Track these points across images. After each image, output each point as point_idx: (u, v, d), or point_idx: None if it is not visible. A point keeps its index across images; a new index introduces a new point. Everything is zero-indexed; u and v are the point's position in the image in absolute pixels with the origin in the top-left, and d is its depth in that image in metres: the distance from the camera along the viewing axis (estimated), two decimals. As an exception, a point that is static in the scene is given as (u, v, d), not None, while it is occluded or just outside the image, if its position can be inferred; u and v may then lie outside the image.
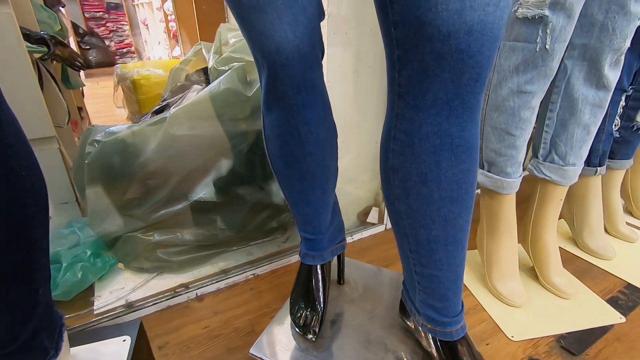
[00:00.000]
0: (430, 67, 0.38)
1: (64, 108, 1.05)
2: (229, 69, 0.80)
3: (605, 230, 1.08)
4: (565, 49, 0.66)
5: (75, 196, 1.06)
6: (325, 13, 0.50)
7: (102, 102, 2.71)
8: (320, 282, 0.66)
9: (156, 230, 0.83)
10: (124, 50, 4.48)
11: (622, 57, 0.70)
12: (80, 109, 1.94)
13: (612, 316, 0.80)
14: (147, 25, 3.53)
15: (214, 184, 0.85)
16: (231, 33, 0.94)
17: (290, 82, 0.46)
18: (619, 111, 0.91)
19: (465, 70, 0.37)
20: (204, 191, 0.86)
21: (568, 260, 0.99)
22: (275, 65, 0.44)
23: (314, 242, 0.65)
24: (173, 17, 2.01)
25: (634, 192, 1.16)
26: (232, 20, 1.33)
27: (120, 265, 0.89)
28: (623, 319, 0.79)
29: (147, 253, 0.84)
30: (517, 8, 0.64)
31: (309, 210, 0.61)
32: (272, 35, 0.42)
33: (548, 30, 0.62)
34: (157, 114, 0.93)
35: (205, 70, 1.03)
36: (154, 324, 0.76)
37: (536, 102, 0.71)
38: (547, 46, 0.64)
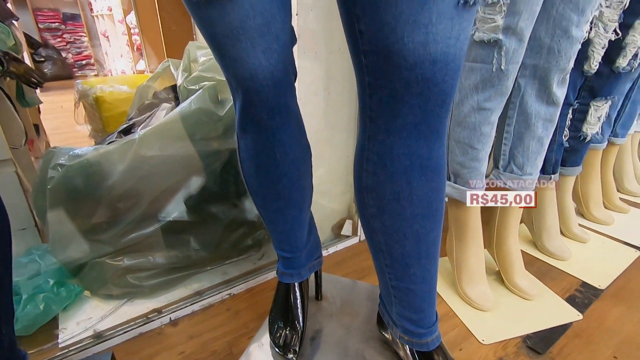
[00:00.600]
0: (399, 94, 0.40)
1: (21, 128, 0.99)
2: (199, 88, 0.79)
3: (561, 232, 1.16)
4: (518, 69, 0.72)
5: (35, 221, 1.00)
6: (296, 34, 0.51)
7: (60, 118, 2.58)
8: (299, 300, 0.67)
9: (126, 254, 0.80)
10: (83, 62, 4.30)
11: (567, 76, 0.77)
12: (37, 126, 1.83)
13: (571, 314, 0.85)
14: (107, 37, 3.41)
15: (186, 204, 0.83)
16: (200, 51, 0.93)
17: (265, 107, 0.47)
18: (567, 123, 1.00)
19: (431, 97, 0.39)
20: (176, 211, 0.84)
21: (530, 262, 1.05)
22: (250, 91, 0.45)
23: (292, 260, 0.65)
24: (137, 30, 1.97)
25: (584, 196, 1.26)
26: (201, 38, 1.32)
27: (87, 293, 0.85)
28: (580, 316, 0.85)
29: (117, 279, 0.81)
30: (475, 32, 0.69)
31: (285, 229, 0.62)
32: (247, 63, 0.42)
33: (502, 53, 0.68)
34: (123, 134, 0.91)
35: (173, 88, 1.01)
36: (125, 353, 0.73)
37: (495, 118, 0.76)
38: (502, 67, 0.69)
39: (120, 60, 3.15)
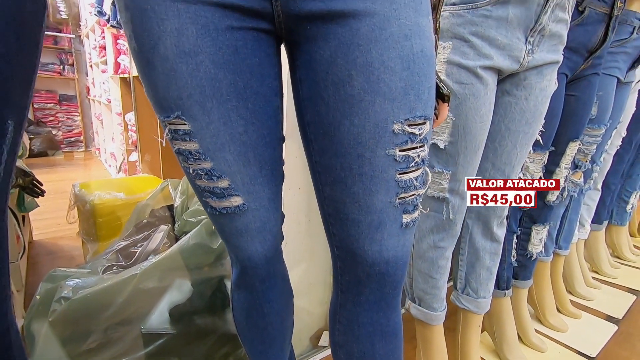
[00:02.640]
0: (361, 280, 0.53)
1: (21, 243, 1.06)
2: (197, 222, 0.91)
3: (520, 339, 1.26)
4: (464, 217, 0.88)
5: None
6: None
7: (43, 202, 2.60)
8: None
9: (110, 379, 0.83)
10: (72, 139, 4.43)
11: (505, 220, 0.94)
12: (24, 216, 1.87)
13: None
14: (101, 120, 3.60)
15: (174, 325, 0.89)
16: (198, 180, 1.07)
17: (258, 277, 0.59)
18: (513, 246, 1.16)
19: (386, 284, 0.52)
20: (163, 327, 0.89)
21: (494, 374, 1.13)
22: (246, 266, 0.57)
23: (272, 395, 0.71)
24: (135, 128, 2.14)
25: (539, 303, 1.39)
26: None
27: (64, 419, 0.85)
28: None
29: (98, 405, 0.82)
30: (427, 189, 0.86)
31: (268, 367, 0.69)
32: (246, 250, 0.55)
33: (450, 207, 0.84)
34: (121, 254, 0.99)
35: (170, 207, 1.13)
36: None
37: (449, 253, 0.90)
38: (450, 217, 0.85)
39: (111, 143, 3.30)
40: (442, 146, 0.79)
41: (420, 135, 0.46)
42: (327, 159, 0.49)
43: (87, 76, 4.27)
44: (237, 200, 0.50)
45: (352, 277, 0.53)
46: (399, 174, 0.47)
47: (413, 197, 0.49)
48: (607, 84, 1.10)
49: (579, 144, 1.10)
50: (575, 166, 1.20)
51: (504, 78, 0.79)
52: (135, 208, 1.14)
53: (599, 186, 1.59)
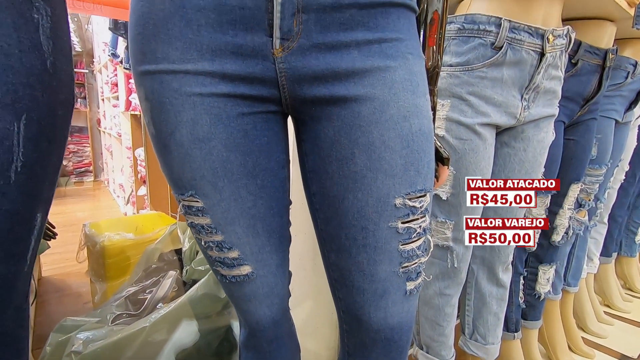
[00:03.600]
0: (367, 344, 0.54)
1: (32, 287, 1.08)
2: (205, 270, 0.93)
3: (534, 383, 1.23)
4: (468, 264, 0.89)
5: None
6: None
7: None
8: None
9: None
10: (82, 169, 4.53)
11: (510, 265, 0.94)
12: (34, 254, 1.90)
13: None
14: (111, 152, 3.69)
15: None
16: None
17: (265, 338, 0.60)
18: (521, 287, 1.15)
19: (391, 350, 0.53)
20: None
21: (506, 422, 1.09)
22: (254, 329, 0.58)
23: None
24: (144, 164, 2.19)
25: (551, 343, 1.36)
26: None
27: None
28: None
29: None
30: (432, 237, 0.88)
31: None
32: (254, 314, 0.56)
33: (454, 255, 0.85)
34: (130, 301, 1.01)
35: (178, 251, 1.15)
36: None
37: (455, 301, 0.90)
38: (455, 265, 0.86)
39: (120, 174, 3.36)
40: (444, 197, 0.81)
41: (421, 207, 0.49)
42: (332, 229, 0.51)
43: (99, 108, 4.41)
44: (246, 269, 0.52)
45: (358, 341, 0.54)
46: (402, 244, 0.49)
47: (416, 265, 0.51)
48: (605, 126, 1.12)
49: (581, 185, 1.11)
50: (579, 205, 1.21)
51: (503, 130, 0.82)
52: (145, 252, 1.17)
53: (605, 220, 1.59)
